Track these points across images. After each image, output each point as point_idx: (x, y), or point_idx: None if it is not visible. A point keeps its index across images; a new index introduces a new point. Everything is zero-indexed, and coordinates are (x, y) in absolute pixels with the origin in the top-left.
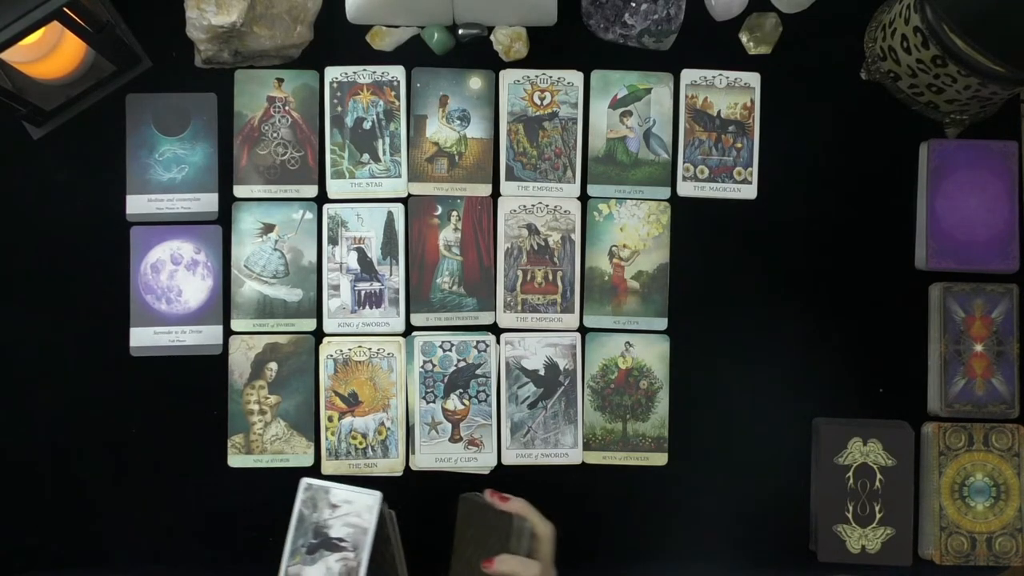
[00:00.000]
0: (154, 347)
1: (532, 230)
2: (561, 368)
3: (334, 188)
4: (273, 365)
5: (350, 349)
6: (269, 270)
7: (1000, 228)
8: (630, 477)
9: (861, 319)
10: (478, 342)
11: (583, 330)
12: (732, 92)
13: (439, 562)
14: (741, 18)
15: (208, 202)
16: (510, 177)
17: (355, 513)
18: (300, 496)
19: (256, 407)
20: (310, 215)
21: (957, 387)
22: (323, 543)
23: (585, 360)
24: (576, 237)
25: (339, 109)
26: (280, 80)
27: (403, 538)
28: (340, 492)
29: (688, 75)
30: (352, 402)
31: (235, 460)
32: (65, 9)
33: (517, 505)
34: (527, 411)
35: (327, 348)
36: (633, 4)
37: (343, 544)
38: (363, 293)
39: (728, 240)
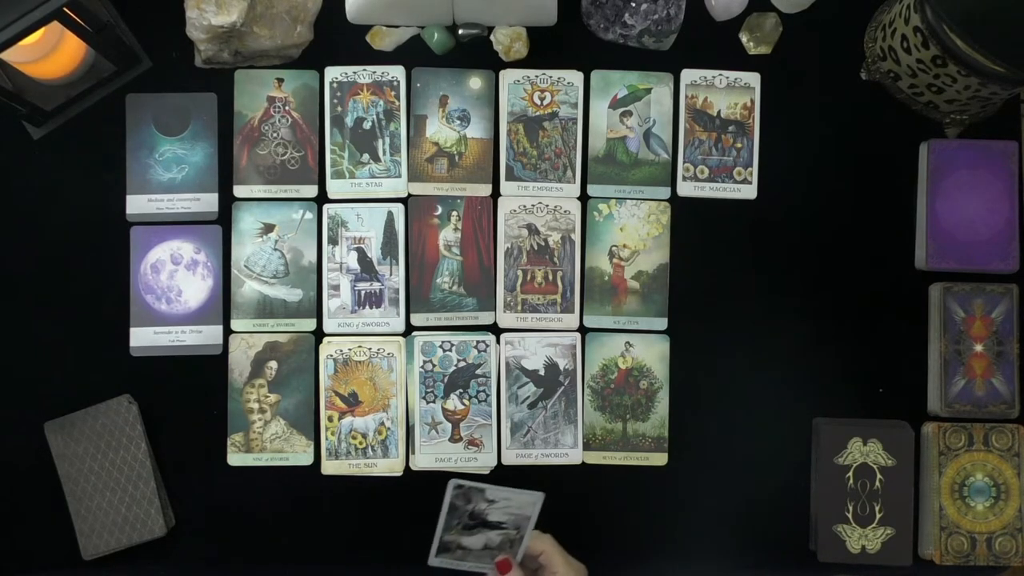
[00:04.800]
0: (154, 347)
1: (532, 230)
2: (561, 368)
3: (334, 188)
4: (273, 363)
5: (350, 349)
6: (269, 270)
7: (1000, 228)
8: (630, 477)
9: (861, 319)
10: (478, 342)
11: (583, 330)
12: (732, 92)
13: None
14: (741, 18)
15: (208, 202)
16: (510, 177)
17: (516, 506)
18: (450, 492)
19: (256, 405)
20: (310, 215)
21: (957, 387)
22: (481, 524)
23: (585, 360)
24: (576, 237)
25: (339, 109)
26: (280, 80)
27: (402, 537)
28: (497, 491)
29: (688, 75)
30: (352, 402)
31: (234, 459)
32: (65, 9)
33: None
34: (527, 411)
35: (327, 348)
36: (633, 4)
37: (503, 525)
38: (363, 293)
39: (728, 240)
